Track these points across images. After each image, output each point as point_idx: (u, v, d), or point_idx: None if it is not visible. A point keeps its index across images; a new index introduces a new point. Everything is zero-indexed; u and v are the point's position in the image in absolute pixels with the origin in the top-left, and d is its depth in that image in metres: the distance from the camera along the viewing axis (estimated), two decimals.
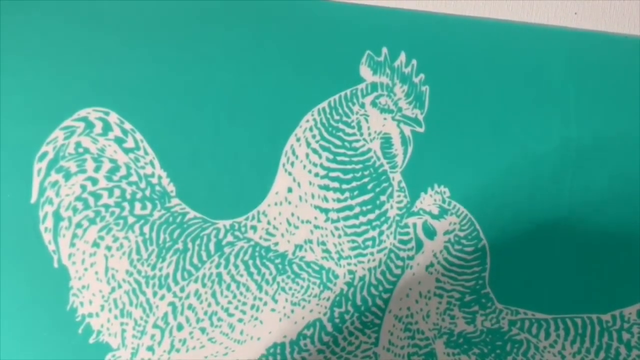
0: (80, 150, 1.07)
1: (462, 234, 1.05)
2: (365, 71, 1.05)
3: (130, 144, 1.08)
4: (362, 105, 1.05)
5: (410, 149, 1.06)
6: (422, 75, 1.04)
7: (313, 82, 1.06)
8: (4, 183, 1.07)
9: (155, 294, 1.07)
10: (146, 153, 1.08)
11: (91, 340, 1.08)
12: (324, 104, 1.05)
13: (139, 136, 1.07)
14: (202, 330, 1.07)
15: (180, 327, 1.07)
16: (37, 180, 1.07)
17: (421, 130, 1.05)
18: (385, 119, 1.05)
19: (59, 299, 1.07)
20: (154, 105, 1.07)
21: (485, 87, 1.05)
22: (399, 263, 1.07)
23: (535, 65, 1.05)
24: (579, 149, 1.05)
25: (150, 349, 1.07)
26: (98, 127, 1.07)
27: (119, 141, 1.08)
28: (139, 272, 1.07)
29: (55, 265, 1.07)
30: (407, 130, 1.05)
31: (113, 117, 1.07)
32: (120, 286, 1.07)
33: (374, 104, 1.05)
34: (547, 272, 1.05)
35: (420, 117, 1.05)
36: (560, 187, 1.05)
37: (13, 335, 1.07)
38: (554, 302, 1.05)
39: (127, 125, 1.07)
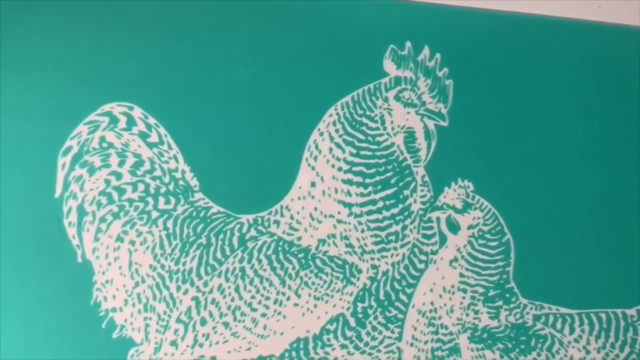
0: (105, 144, 1.08)
1: (486, 229, 1.05)
2: (389, 65, 1.05)
3: (154, 138, 1.08)
4: (386, 99, 1.05)
5: (433, 143, 1.05)
6: (446, 69, 1.04)
7: (336, 76, 1.06)
8: (28, 177, 1.07)
9: (178, 288, 1.07)
10: (170, 147, 1.08)
11: (114, 335, 1.08)
12: (348, 98, 1.05)
13: (162, 131, 1.08)
14: (226, 324, 1.07)
15: (203, 322, 1.07)
16: (61, 175, 1.07)
17: (445, 124, 1.05)
18: (408, 112, 1.05)
19: (82, 293, 1.08)
20: (177, 100, 1.07)
21: (509, 81, 1.05)
22: (423, 258, 1.06)
23: (559, 59, 1.04)
24: (602, 141, 1.04)
25: (173, 343, 1.07)
26: (122, 122, 1.08)
27: (143, 136, 1.08)
28: (162, 266, 1.07)
29: (79, 259, 1.08)
30: (430, 124, 1.05)
31: (137, 112, 1.08)
32: (143, 281, 1.08)
33: (397, 98, 1.05)
34: (571, 267, 1.05)
35: (444, 111, 1.05)
36: (584, 181, 1.04)
37: (36, 329, 1.07)
38: (578, 296, 1.05)
39: (151, 120, 1.08)
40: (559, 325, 1.05)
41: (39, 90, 1.08)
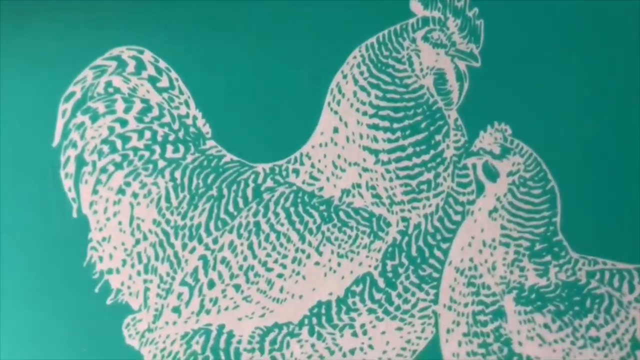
0: (110, 90, 1.00)
1: (527, 175, 0.95)
2: (415, 5, 1.00)
3: (164, 83, 1.01)
4: (413, 40, 0.99)
5: (466, 85, 0.98)
6: (475, 9, 0.99)
7: (361, 16, 1.01)
8: (26, 125, 1.00)
9: (184, 246, 0.96)
10: (181, 92, 1.01)
11: (109, 301, 0.95)
12: (373, 39, 1.00)
13: (174, 75, 1.01)
14: (236, 287, 0.94)
15: (211, 285, 0.95)
16: (61, 123, 0.99)
17: (477, 64, 0.98)
18: (438, 53, 0.99)
19: (75, 252, 0.97)
20: (190, 42, 1.01)
21: (542, 19, 0.99)
22: (459, 208, 0.96)
23: None
24: None
25: (176, 310, 0.95)
26: (131, 66, 1.01)
27: (153, 80, 1.01)
28: (167, 221, 0.97)
29: (74, 214, 0.97)
30: (462, 65, 0.99)
31: (147, 56, 1.01)
32: (145, 238, 0.97)
33: (425, 38, 0.99)
34: (626, 215, 0.94)
35: (476, 52, 0.98)
36: (634, 121, 0.96)
37: (22, 292, 0.95)
38: (636, 249, 0.94)
39: (162, 64, 1.01)
40: (616, 283, 0.93)
41: (46, 35, 1.02)
